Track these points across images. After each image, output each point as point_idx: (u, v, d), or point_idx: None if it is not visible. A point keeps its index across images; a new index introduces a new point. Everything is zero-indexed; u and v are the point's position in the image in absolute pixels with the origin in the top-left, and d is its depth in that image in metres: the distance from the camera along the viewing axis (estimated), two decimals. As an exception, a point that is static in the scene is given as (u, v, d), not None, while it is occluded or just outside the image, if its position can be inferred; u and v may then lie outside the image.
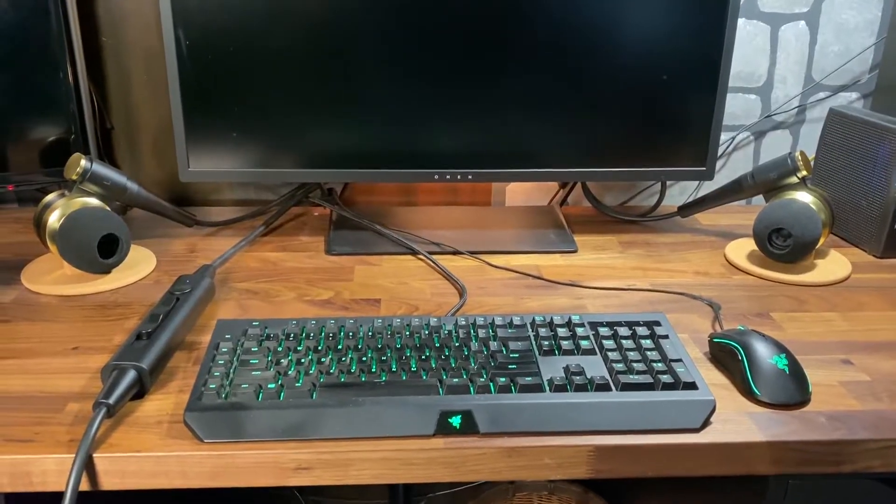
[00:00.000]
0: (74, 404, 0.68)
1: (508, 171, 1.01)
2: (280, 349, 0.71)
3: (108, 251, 0.90)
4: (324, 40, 0.95)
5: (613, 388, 0.67)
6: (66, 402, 0.68)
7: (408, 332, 0.74)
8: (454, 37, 0.95)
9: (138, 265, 0.95)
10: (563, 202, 1.22)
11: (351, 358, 0.70)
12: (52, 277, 0.91)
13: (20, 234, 1.05)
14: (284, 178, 1.02)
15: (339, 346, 0.72)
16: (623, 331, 0.74)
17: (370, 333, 0.74)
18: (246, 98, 0.97)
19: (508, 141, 1.00)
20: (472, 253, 1.00)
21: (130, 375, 0.67)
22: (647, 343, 0.72)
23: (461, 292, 0.89)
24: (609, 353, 0.71)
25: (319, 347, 0.72)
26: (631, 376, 0.67)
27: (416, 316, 0.77)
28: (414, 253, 1.01)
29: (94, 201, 0.93)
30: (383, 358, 0.70)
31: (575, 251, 1.02)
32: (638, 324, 0.76)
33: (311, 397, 0.65)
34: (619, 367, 0.69)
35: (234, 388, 0.66)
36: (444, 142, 1.00)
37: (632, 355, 0.70)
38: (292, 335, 0.73)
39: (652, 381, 0.67)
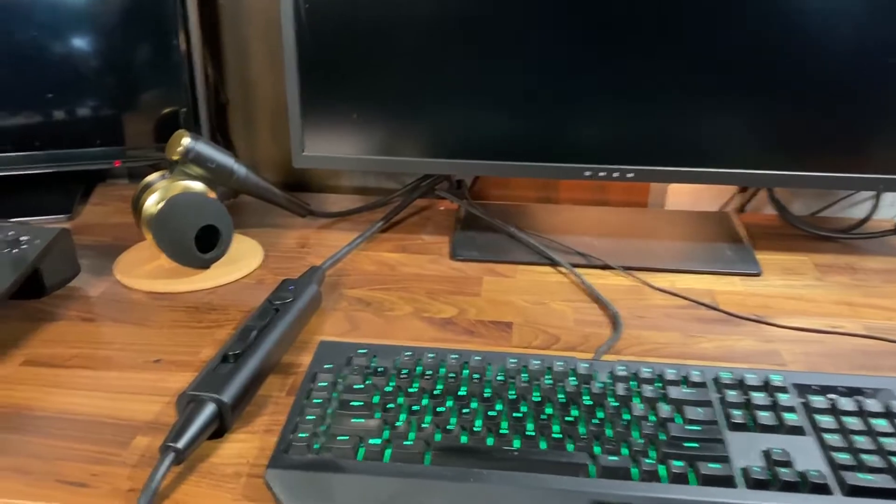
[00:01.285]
0: (143, 438, 0.56)
1: (680, 171, 0.82)
2: (389, 389, 0.57)
3: (208, 243, 0.79)
4: (460, 6, 0.79)
5: (837, 490, 0.48)
6: (134, 434, 0.57)
7: (548, 380, 0.58)
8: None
9: (242, 259, 0.84)
10: (742, 209, 1.01)
11: (475, 409, 0.55)
12: (147, 270, 0.81)
13: (124, 215, 0.97)
14: (410, 168, 0.88)
15: (462, 392, 0.57)
16: (845, 402, 0.55)
17: (500, 377, 0.58)
18: (370, 74, 0.83)
19: (681, 133, 0.81)
20: (626, 269, 0.83)
21: (209, 410, 0.55)
22: (880, 424, 0.53)
23: (614, 322, 0.72)
24: (826, 436, 0.52)
25: (437, 391, 0.57)
26: (862, 476, 0.49)
27: (559, 357, 0.61)
28: (554, 264, 0.84)
29: (196, 185, 0.82)
30: (516, 414, 0.54)
31: (758, 274, 0.82)
32: (864, 392, 0.56)
33: (424, 462, 0.51)
34: (844, 458, 0.50)
35: (330, 438, 0.52)
36: (599, 131, 0.82)
37: (860, 441, 0.51)
38: (405, 371, 0.59)
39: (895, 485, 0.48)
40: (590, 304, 0.76)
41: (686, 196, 1.02)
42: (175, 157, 0.81)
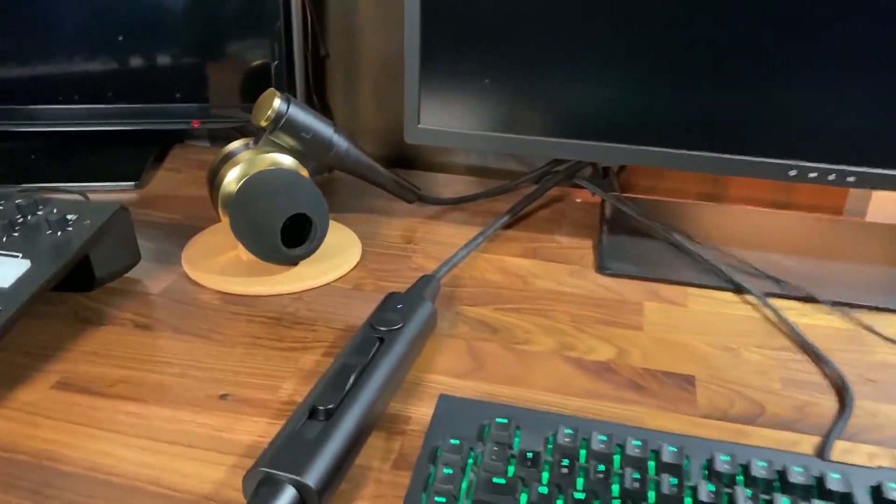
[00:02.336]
0: (196, 525, 0.41)
1: (930, 181, 0.61)
2: (544, 490, 0.39)
3: (296, 234, 0.63)
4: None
5: None
6: (185, 516, 0.41)
7: (783, 495, 0.39)
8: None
9: (335, 256, 0.67)
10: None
11: (677, 538, 0.37)
12: (221, 262, 0.65)
13: (200, 186, 0.82)
14: (556, 153, 0.69)
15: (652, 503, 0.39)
16: None
17: (709, 485, 0.40)
18: (509, 30, 0.64)
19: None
20: (836, 304, 0.62)
21: (286, 499, 0.38)
22: None
23: (839, 389, 0.52)
24: None
25: (614, 498, 0.39)
26: None
27: (790, 453, 0.42)
28: (738, 291, 0.64)
29: (286, 160, 0.66)
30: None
31: None
32: None
33: None
34: None
35: (459, 566, 0.35)
36: (813, 116, 0.61)
37: None
38: (565, 461, 0.41)
39: None
40: (796, 355, 0.56)
41: (894, 202, 0.80)
42: (263, 123, 0.65)
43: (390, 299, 0.55)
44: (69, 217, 0.58)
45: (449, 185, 0.85)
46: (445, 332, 0.58)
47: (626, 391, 0.52)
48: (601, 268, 0.67)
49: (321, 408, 0.43)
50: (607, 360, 0.55)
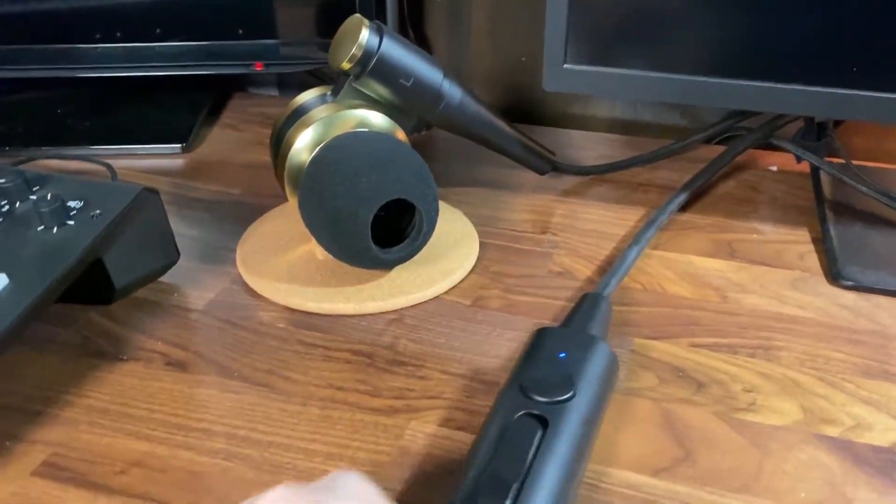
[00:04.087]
0: None
1: None
2: None
3: (391, 227, 0.43)
4: None
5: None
6: None
7: None
8: None
9: (444, 255, 0.47)
10: None
11: None
12: (290, 262, 0.47)
13: (265, 148, 0.63)
14: (765, 103, 0.47)
15: None
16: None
17: None
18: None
19: None
20: None
21: None
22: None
23: None
24: None
25: None
26: None
27: None
28: None
29: (376, 119, 0.46)
30: None
31: None
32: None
33: None
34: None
35: None
36: None
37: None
38: None
39: None
40: None
41: None
42: (345, 66, 0.45)
43: (545, 342, 0.35)
44: (71, 204, 0.40)
45: (587, 147, 0.63)
46: (622, 384, 0.38)
47: (944, 512, 0.31)
48: (837, 276, 0.45)
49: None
50: (892, 445, 0.34)
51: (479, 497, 0.27)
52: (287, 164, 0.45)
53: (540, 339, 0.35)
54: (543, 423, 0.30)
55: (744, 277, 0.46)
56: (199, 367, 0.39)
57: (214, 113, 0.68)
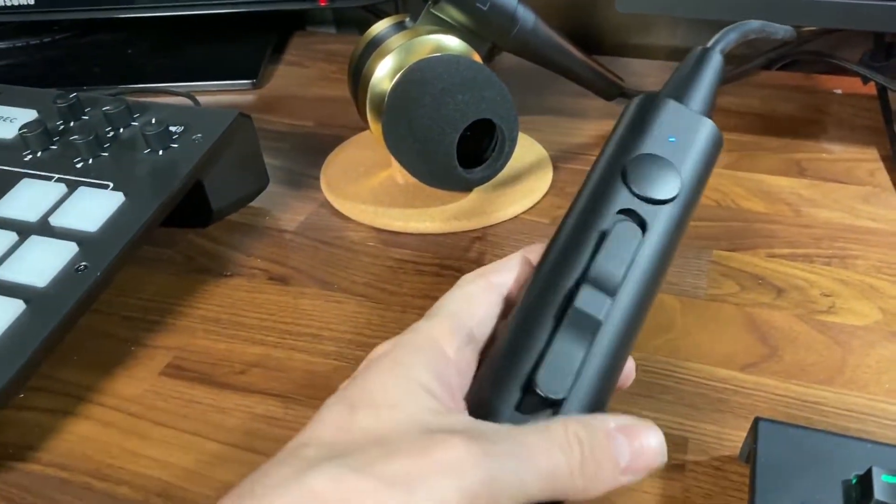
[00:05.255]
0: None
1: None
2: None
3: (470, 150, 0.45)
4: None
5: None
6: None
7: None
8: None
9: (521, 178, 0.49)
10: None
11: None
12: (372, 187, 0.49)
13: (331, 82, 0.65)
14: (834, 19, 0.47)
15: None
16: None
17: None
18: None
19: None
20: None
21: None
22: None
23: None
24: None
25: None
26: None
27: None
28: None
29: (454, 43, 0.47)
30: None
31: None
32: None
33: None
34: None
35: None
36: None
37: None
38: None
39: None
40: None
41: None
42: (423, -9, 0.46)
43: (658, 119, 0.28)
44: (173, 129, 0.42)
45: (649, 74, 0.64)
46: (704, 292, 0.40)
47: None
48: (908, 191, 0.46)
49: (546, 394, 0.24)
50: (975, 344, 0.36)
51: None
52: (369, 93, 0.47)
53: (652, 114, 0.28)
54: (643, 227, 0.26)
55: (815, 193, 0.47)
56: (300, 280, 0.42)
57: (278, 51, 0.70)
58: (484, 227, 0.46)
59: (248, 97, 0.63)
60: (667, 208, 0.26)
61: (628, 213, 0.26)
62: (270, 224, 0.46)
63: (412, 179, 0.46)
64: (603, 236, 0.26)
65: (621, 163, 0.27)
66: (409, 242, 0.44)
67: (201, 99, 0.61)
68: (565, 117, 0.57)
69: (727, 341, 0.37)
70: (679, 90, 0.30)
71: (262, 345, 0.38)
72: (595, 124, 0.56)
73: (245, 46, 0.69)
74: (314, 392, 0.35)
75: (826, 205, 0.46)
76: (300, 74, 0.66)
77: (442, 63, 0.45)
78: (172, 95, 0.60)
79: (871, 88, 0.57)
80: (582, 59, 0.54)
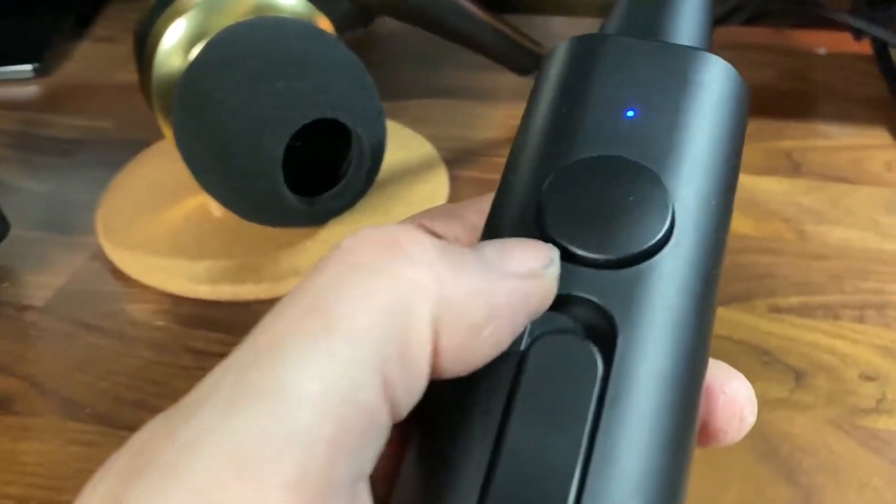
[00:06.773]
0: None
1: None
2: None
3: (319, 162, 0.29)
4: None
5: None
6: None
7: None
8: None
9: (398, 198, 0.33)
10: None
11: None
12: (172, 223, 0.32)
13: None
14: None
15: None
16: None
17: None
18: None
19: None
20: None
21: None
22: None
23: None
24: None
25: None
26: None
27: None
28: None
29: (291, 1, 0.31)
30: None
31: None
32: None
33: None
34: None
35: None
36: None
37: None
38: None
39: None
40: None
41: None
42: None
43: (598, 81, 0.14)
44: None
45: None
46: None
47: None
48: (946, 191, 0.33)
49: None
50: None
51: None
52: (154, 74, 0.30)
53: (588, 72, 0.14)
54: (602, 333, 0.12)
55: (819, 201, 0.33)
56: (31, 402, 0.25)
57: (83, 24, 0.52)
58: (342, 284, 0.30)
59: (27, 90, 0.45)
60: (648, 269, 0.12)
61: (567, 306, 0.12)
62: (6, 297, 0.30)
63: (230, 213, 0.30)
64: (515, 384, 0.11)
65: (534, 191, 0.13)
66: (222, 319, 0.28)
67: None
68: (464, 100, 0.41)
69: (734, 489, 0.22)
70: (639, 17, 0.15)
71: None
72: (505, 110, 0.40)
73: (35, 16, 0.50)
74: None
75: (837, 218, 0.32)
76: (108, 54, 0.48)
77: (259, 32, 0.28)
78: None
79: (864, 46, 0.44)
80: (486, 20, 0.38)
